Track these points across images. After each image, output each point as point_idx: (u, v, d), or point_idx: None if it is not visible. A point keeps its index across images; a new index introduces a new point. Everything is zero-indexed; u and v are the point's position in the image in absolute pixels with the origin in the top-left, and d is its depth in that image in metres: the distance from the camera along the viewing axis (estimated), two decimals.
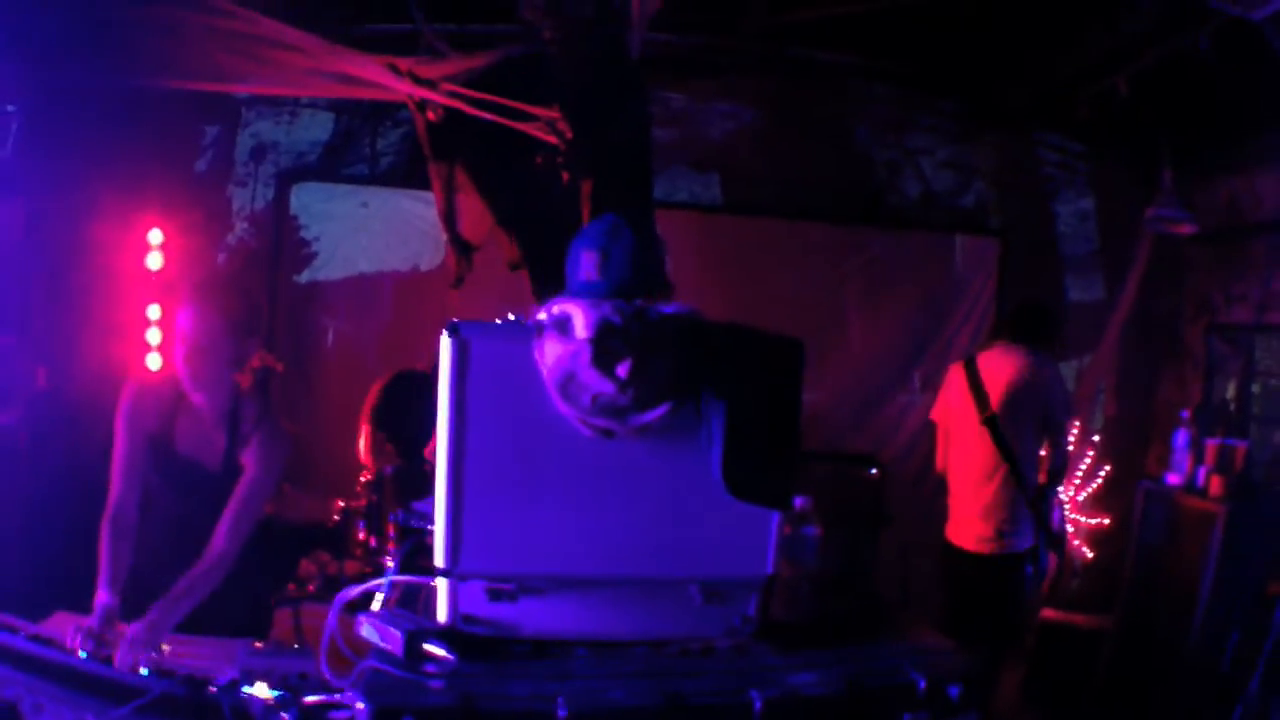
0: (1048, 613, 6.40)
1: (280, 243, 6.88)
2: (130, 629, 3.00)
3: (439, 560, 2.07)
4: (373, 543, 4.47)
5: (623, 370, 1.94)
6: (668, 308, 2.05)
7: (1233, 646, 4.96)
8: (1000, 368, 5.26)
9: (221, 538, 3.40)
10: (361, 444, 5.21)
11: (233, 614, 3.41)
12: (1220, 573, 5.10)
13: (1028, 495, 5.12)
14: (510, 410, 2.02)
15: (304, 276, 6.92)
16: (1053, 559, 5.19)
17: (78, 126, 5.35)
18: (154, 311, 5.85)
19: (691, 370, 2.03)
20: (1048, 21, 5.60)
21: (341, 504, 4.78)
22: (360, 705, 1.94)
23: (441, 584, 2.11)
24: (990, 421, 5.21)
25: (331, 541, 4.67)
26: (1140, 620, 5.70)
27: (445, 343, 1.97)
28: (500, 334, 2.08)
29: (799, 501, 2.53)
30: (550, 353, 1.97)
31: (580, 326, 1.95)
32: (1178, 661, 5.24)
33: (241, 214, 6.77)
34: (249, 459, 3.53)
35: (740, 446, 2.05)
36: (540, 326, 2.00)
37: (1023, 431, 5.18)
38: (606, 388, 1.95)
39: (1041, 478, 5.21)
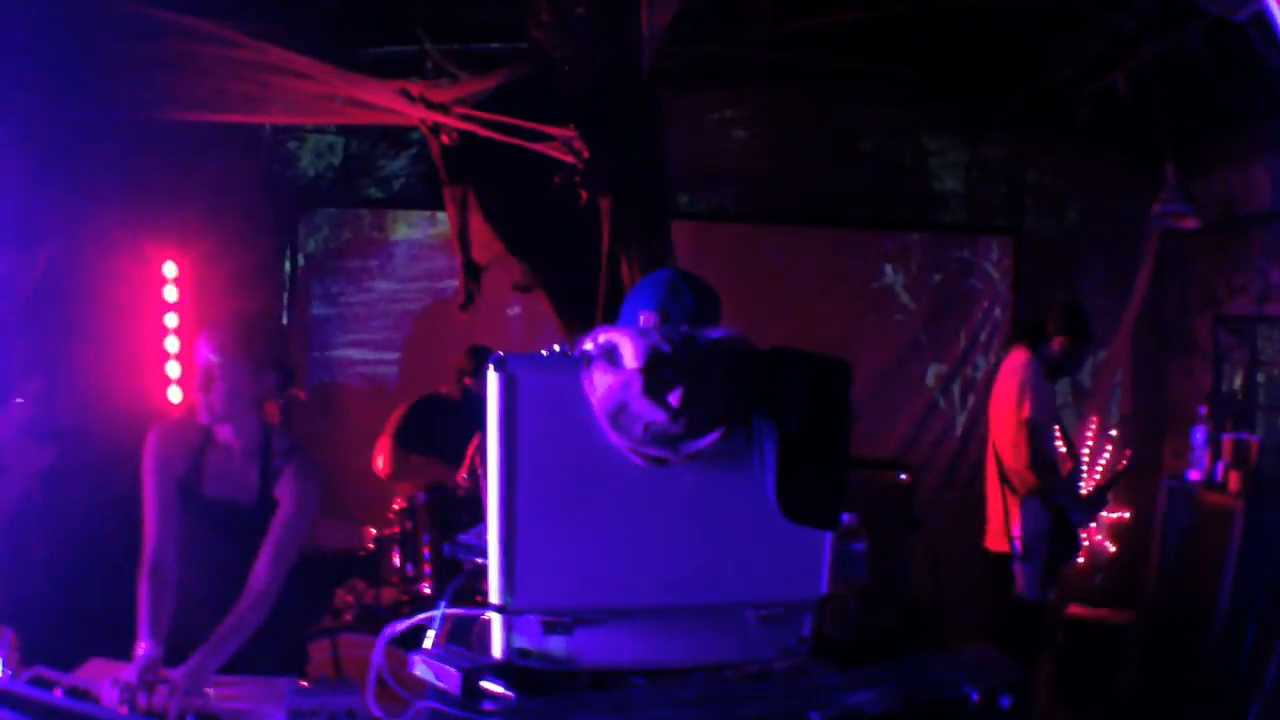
0: (1074, 609, 6.39)
1: (295, 269, 6.88)
2: (174, 675, 2.95)
3: (494, 596, 2.05)
4: (409, 571, 4.46)
5: (674, 398, 1.93)
6: (715, 333, 2.03)
7: (1251, 638, 4.96)
8: (1002, 373, 5.40)
9: (261, 576, 3.31)
10: (380, 459, 5.18)
11: (270, 649, 3.33)
12: (1241, 566, 5.10)
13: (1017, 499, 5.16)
14: (560, 442, 2.01)
15: (321, 303, 6.91)
16: (1017, 568, 5.13)
17: (88, 161, 5.34)
18: (172, 344, 5.84)
19: (742, 395, 2.02)
20: (1045, 22, 5.64)
21: (374, 532, 4.77)
22: None
23: (496, 619, 2.09)
24: (991, 424, 5.36)
25: (365, 570, 4.66)
26: (1165, 616, 5.70)
27: (492, 377, 1.95)
28: (547, 366, 2.06)
29: (845, 518, 2.51)
30: (600, 383, 1.95)
31: (630, 356, 1.94)
32: (1201, 655, 5.24)
33: (256, 242, 6.75)
34: (283, 493, 3.43)
35: (793, 469, 2.04)
36: (588, 357, 1.98)
37: (1000, 435, 5.26)
38: (659, 417, 1.93)
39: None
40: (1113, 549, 6.87)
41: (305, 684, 3.06)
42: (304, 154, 7.01)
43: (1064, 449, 5.81)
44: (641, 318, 2.26)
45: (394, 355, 6.90)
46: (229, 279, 6.41)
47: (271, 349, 3.45)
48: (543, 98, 4.63)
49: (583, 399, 1.97)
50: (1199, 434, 5.74)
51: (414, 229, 6.88)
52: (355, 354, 6.89)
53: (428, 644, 2.24)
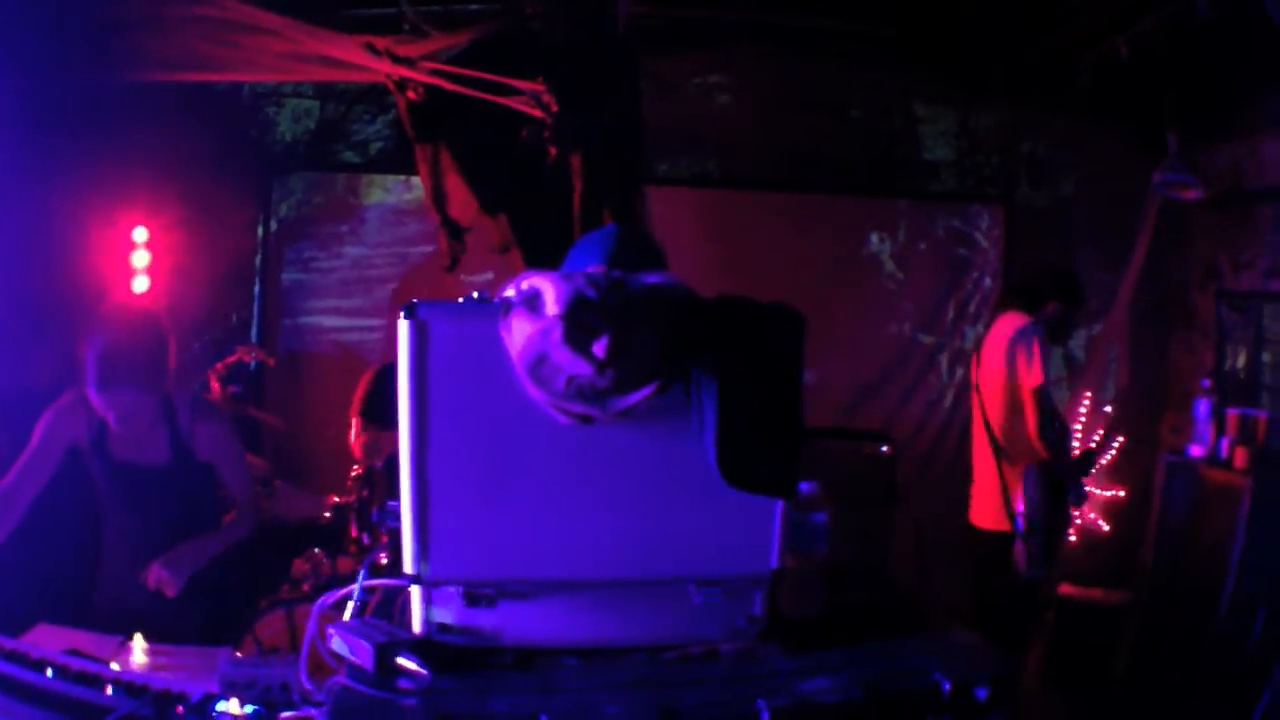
0: (1066, 588, 6.25)
1: (269, 234, 6.76)
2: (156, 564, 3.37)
3: (408, 566, 1.89)
4: (365, 540, 4.34)
5: (600, 348, 1.74)
6: (650, 278, 1.85)
7: (1260, 624, 4.83)
8: (990, 336, 5.18)
9: (239, 495, 3.76)
10: (352, 436, 5.09)
11: (207, 617, 3.54)
12: (1248, 547, 4.94)
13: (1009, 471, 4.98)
14: (477, 398, 1.83)
15: (293, 268, 6.80)
16: (1017, 547, 4.94)
17: (57, 124, 5.22)
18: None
19: (679, 347, 1.82)
20: None
21: (335, 500, 4.66)
22: None
23: (414, 591, 1.93)
24: (978, 391, 5.15)
25: (324, 539, 4.54)
26: (1165, 596, 5.56)
27: (402, 325, 1.78)
28: (463, 314, 1.87)
29: (805, 487, 2.32)
30: (519, 332, 1.77)
31: (551, 302, 1.75)
32: (1204, 638, 5.10)
33: (229, 207, 6.62)
34: (205, 445, 3.65)
35: (736, 430, 1.85)
36: (507, 304, 1.80)
37: (996, 403, 5.05)
38: (582, 369, 1.75)
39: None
40: (1107, 527, 6.73)
41: (240, 654, 2.96)
42: (281, 118, 6.88)
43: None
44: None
45: (366, 322, 6.76)
46: (200, 244, 6.29)
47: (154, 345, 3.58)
48: (515, 55, 4.53)
49: (501, 349, 1.79)
50: (1202, 407, 5.59)
51: (388, 194, 6.76)
52: (327, 320, 6.77)
53: (346, 616, 2.09)
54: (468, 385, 1.83)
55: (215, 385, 5.58)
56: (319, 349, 6.74)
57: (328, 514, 4.60)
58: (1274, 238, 6.01)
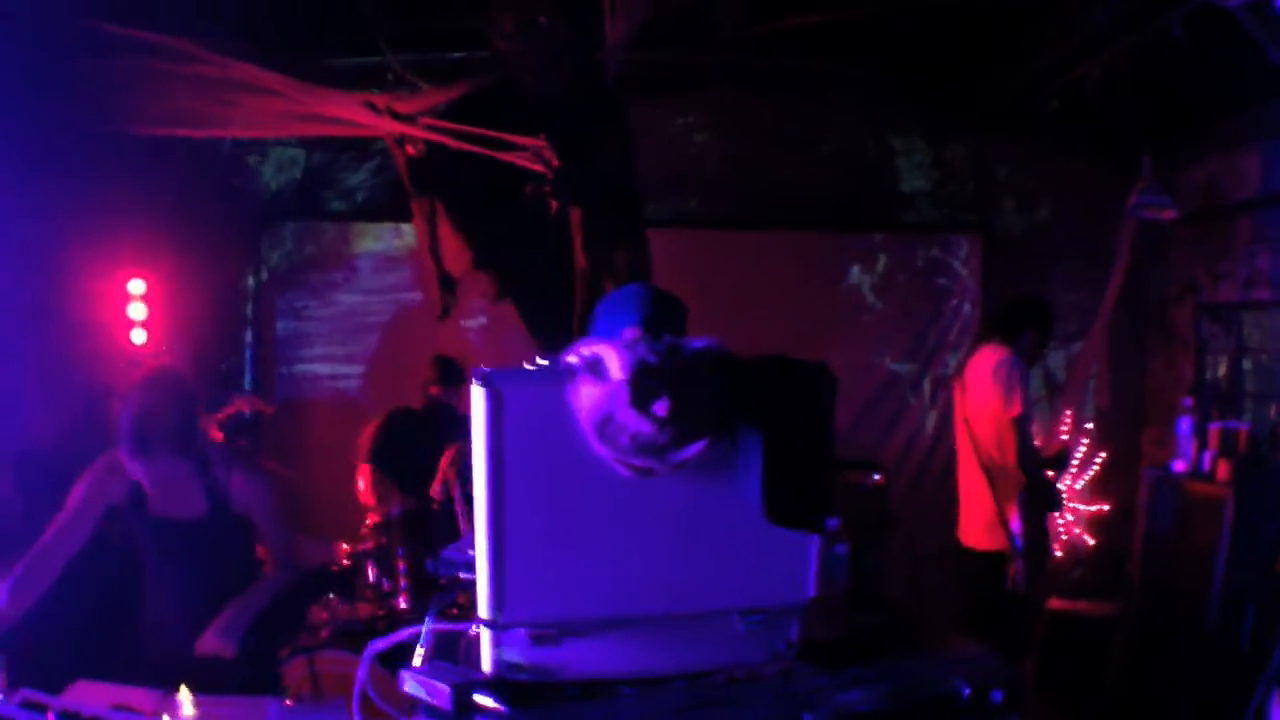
0: (1055, 602, 6.42)
1: (260, 284, 6.84)
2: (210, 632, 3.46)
3: (483, 611, 2.04)
4: (385, 586, 4.44)
5: (660, 409, 1.92)
6: (699, 343, 2.03)
7: (1250, 623, 4.99)
8: (973, 366, 5.39)
9: (274, 545, 3.88)
10: (362, 485, 5.19)
11: (245, 667, 3.54)
12: (1234, 554, 5.11)
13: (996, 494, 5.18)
14: (546, 455, 1.99)
15: (286, 317, 6.88)
16: (1014, 565, 5.15)
17: (50, 177, 5.30)
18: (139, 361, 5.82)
19: (727, 403, 2.01)
20: (1017, 15, 5.62)
21: (347, 547, 4.75)
22: None
23: (485, 633, 2.08)
24: (966, 422, 5.36)
25: (340, 586, 4.63)
26: (1153, 607, 5.71)
27: (477, 392, 1.93)
28: (531, 379, 2.04)
29: (831, 522, 2.51)
30: (585, 395, 1.94)
31: (615, 368, 1.93)
32: (1196, 643, 5.25)
33: (219, 258, 6.71)
34: (240, 496, 3.75)
35: (780, 475, 2.04)
36: (572, 370, 1.97)
37: (984, 432, 5.25)
38: (645, 427, 1.92)
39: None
40: (1092, 541, 6.90)
41: (289, 703, 3.06)
42: (265, 168, 6.98)
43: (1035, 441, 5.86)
44: (625, 333, 2.28)
45: (360, 369, 6.86)
46: (191, 294, 6.38)
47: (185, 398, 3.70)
48: (507, 107, 4.64)
49: (567, 411, 1.96)
50: (1184, 424, 5.75)
51: (378, 241, 6.87)
52: (321, 368, 6.87)
53: (416, 660, 2.23)
54: (536, 444, 1.98)
55: (217, 436, 5.67)
56: (315, 396, 6.82)
57: (346, 561, 4.68)
58: (1252, 248, 6.17)
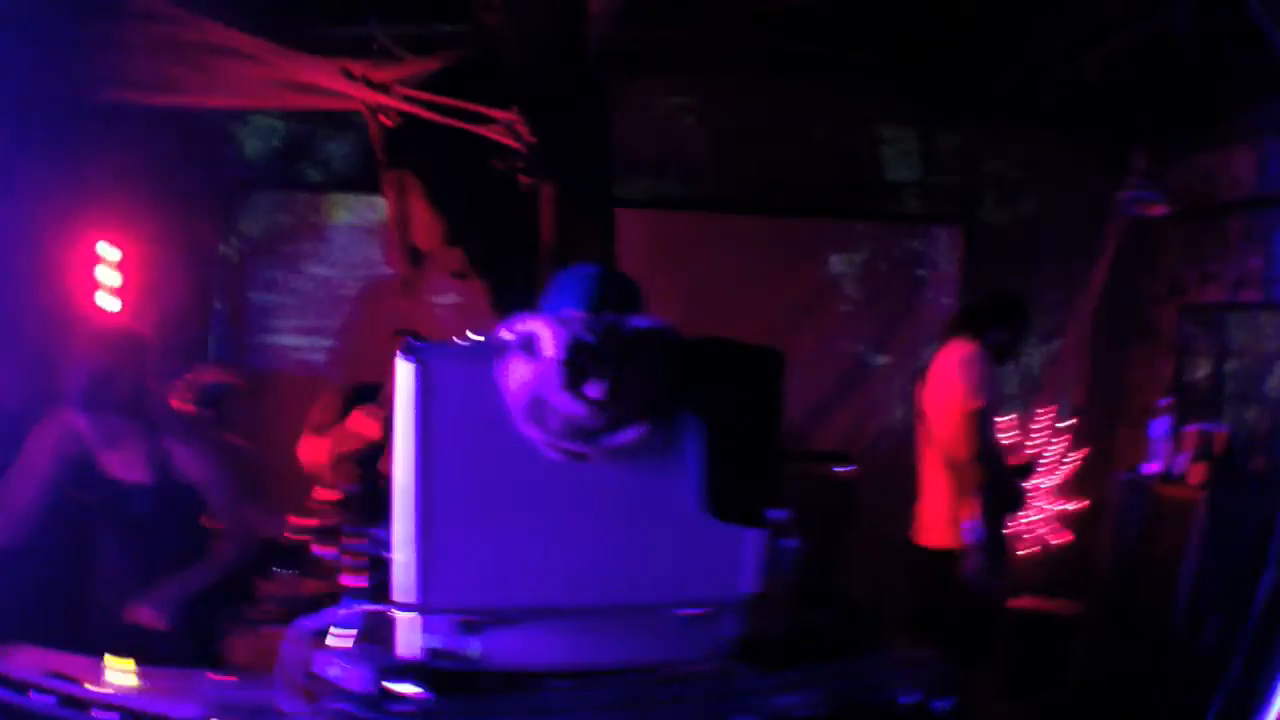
0: (1020, 600, 6.36)
1: (235, 253, 6.77)
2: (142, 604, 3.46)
3: (405, 594, 1.96)
4: (332, 562, 4.36)
5: (594, 392, 1.84)
6: (641, 322, 1.94)
7: (1215, 629, 4.94)
8: (938, 361, 5.27)
9: (225, 518, 3.84)
10: (308, 454, 5.09)
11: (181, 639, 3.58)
12: (1203, 559, 5.07)
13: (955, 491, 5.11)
14: (474, 435, 1.91)
15: (259, 288, 6.80)
16: (968, 563, 5.07)
17: (23, 140, 5.22)
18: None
19: (667, 388, 1.93)
20: (1015, 7, 5.55)
21: (298, 521, 4.67)
22: None
23: (407, 617, 2.01)
24: (925, 417, 5.26)
25: (289, 560, 4.55)
26: (1119, 610, 5.67)
27: (404, 366, 1.85)
28: (462, 355, 1.97)
29: (777, 514, 2.43)
30: (516, 374, 1.86)
31: (548, 345, 1.84)
32: (1160, 648, 5.21)
33: (192, 225, 6.62)
34: (189, 466, 3.73)
35: (720, 466, 1.96)
36: (505, 346, 1.89)
37: (945, 427, 5.16)
38: (577, 410, 1.84)
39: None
40: (1061, 541, 6.84)
41: (224, 677, 3.00)
42: (245, 136, 6.89)
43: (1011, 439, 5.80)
44: (566, 312, 2.19)
45: (329, 342, 6.78)
46: (164, 262, 6.29)
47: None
48: (487, 81, 4.56)
49: (498, 390, 1.88)
50: (1159, 426, 5.70)
51: (353, 214, 6.78)
52: (292, 340, 6.79)
53: (338, 641, 2.16)
54: (464, 423, 1.91)
55: (178, 404, 5.59)
56: (284, 369, 6.74)
57: (295, 535, 4.61)
58: (1243, 248, 6.08)
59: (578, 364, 1.84)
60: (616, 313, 2.00)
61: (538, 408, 1.85)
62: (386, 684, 1.98)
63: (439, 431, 1.89)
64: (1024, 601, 6.37)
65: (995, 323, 5.21)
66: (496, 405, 1.88)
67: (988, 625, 5.24)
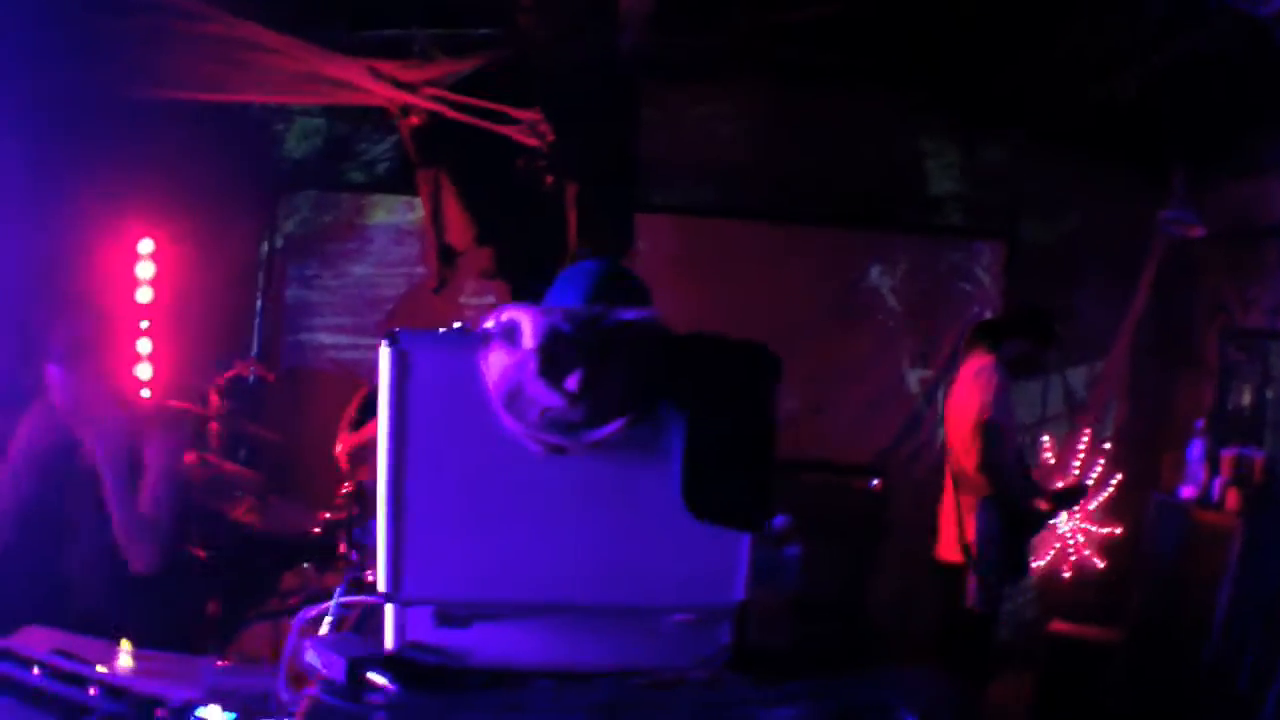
0: (1058, 625, 6.25)
1: (274, 250, 6.82)
2: None
3: (381, 584, 1.93)
4: (355, 556, 4.37)
5: (572, 382, 1.79)
6: (626, 314, 1.89)
7: (1251, 662, 4.82)
8: (962, 376, 5.24)
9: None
10: (339, 448, 5.13)
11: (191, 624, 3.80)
12: (1238, 589, 4.93)
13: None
14: (457, 425, 1.87)
15: (296, 285, 6.86)
16: (970, 579, 4.97)
17: (61, 135, 5.27)
18: (145, 346, 5.76)
19: (650, 381, 1.88)
20: (1053, 21, 5.46)
21: (325, 516, 4.69)
22: None
23: (388, 609, 1.97)
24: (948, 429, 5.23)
25: (314, 554, 4.58)
26: (1152, 637, 5.55)
27: (383, 352, 1.82)
28: (444, 343, 1.93)
29: (777, 521, 2.37)
30: (496, 364, 1.82)
31: (527, 335, 1.80)
32: (1192, 679, 5.08)
33: (234, 222, 6.68)
34: (153, 450, 3.73)
35: (703, 464, 1.90)
36: (486, 336, 1.85)
37: (956, 439, 5.10)
38: (555, 401, 1.79)
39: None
40: (1101, 565, 6.73)
41: (224, 664, 3.01)
42: (289, 136, 6.95)
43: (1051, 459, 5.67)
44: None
45: (368, 341, 6.80)
46: (204, 258, 6.33)
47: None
48: (519, 83, 4.56)
49: (479, 379, 1.84)
50: (1196, 448, 5.59)
51: (392, 214, 6.83)
52: (328, 339, 6.83)
53: (323, 630, 2.14)
54: (446, 412, 1.87)
55: (214, 399, 5.63)
56: (319, 366, 6.79)
57: (317, 529, 4.63)
58: None
59: (555, 354, 1.79)
60: (608, 306, 1.96)
61: (517, 398, 1.81)
62: (359, 673, 1.94)
63: (417, 419, 1.85)
64: (1062, 625, 6.26)
65: (1015, 335, 5.12)
66: (478, 395, 1.84)
67: (986, 644, 5.13)
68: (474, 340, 1.86)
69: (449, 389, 1.86)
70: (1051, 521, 5.59)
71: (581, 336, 1.81)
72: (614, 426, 1.84)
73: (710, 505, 1.93)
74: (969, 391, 5.02)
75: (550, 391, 1.79)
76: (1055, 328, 5.29)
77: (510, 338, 1.82)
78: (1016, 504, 5.06)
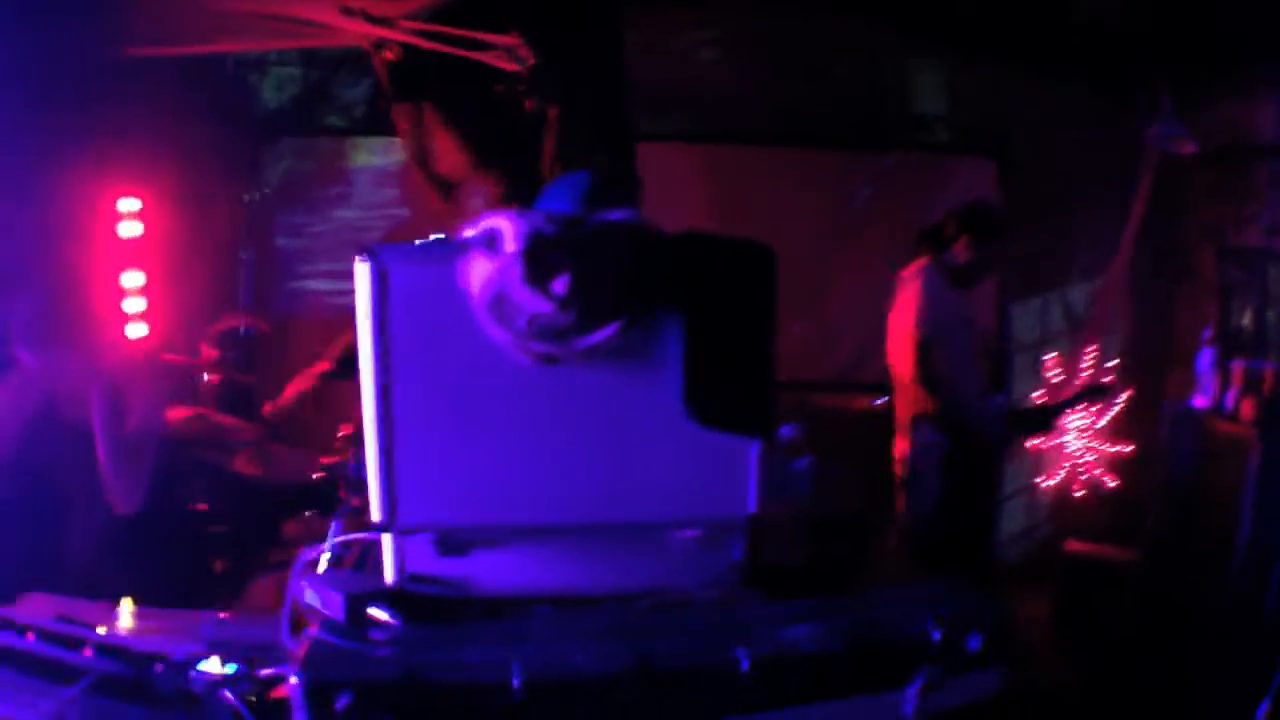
0: (1073, 545, 6.18)
1: (259, 200, 6.74)
2: None
3: (375, 514, 1.84)
4: (355, 501, 4.29)
5: (559, 286, 1.69)
6: (612, 215, 1.79)
7: (1277, 581, 4.73)
8: (899, 283, 4.93)
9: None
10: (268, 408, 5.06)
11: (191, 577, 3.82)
12: (1260, 501, 4.82)
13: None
14: (440, 341, 1.78)
15: (285, 234, 6.79)
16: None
17: (37, 97, 5.18)
18: (132, 279, 5.66)
19: (643, 284, 1.77)
20: None
21: (325, 461, 4.60)
22: (294, 680, 1.73)
23: (385, 540, 1.89)
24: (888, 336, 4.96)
25: (316, 501, 4.49)
26: (1172, 552, 5.46)
27: (360, 270, 1.72)
28: (423, 256, 1.83)
29: (786, 430, 2.28)
30: (478, 271, 1.72)
31: (509, 239, 1.70)
32: (1217, 595, 4.99)
33: (218, 175, 6.58)
34: (138, 405, 3.87)
35: (705, 368, 1.80)
36: (466, 244, 1.75)
37: (893, 345, 4.87)
38: (543, 307, 1.70)
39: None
40: (1114, 483, 6.66)
41: (225, 616, 2.97)
42: (265, 86, 6.85)
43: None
44: None
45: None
46: (189, 212, 6.24)
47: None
48: (499, 11, 4.42)
49: (462, 291, 1.74)
50: (1205, 358, 5.48)
51: (374, 156, 6.75)
52: (320, 284, 6.75)
53: (320, 569, 2.06)
54: (432, 328, 1.78)
55: (206, 351, 5.55)
56: (312, 313, 6.71)
57: (317, 475, 4.54)
58: (1274, 194, 5.92)
59: (539, 257, 1.69)
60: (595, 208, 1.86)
61: (502, 305, 1.71)
62: (359, 609, 1.86)
63: (399, 338, 1.76)
64: (1077, 545, 6.19)
65: (952, 236, 4.85)
66: (462, 308, 1.74)
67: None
68: (455, 249, 1.76)
69: (433, 304, 1.77)
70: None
71: (566, 238, 1.71)
72: (607, 332, 1.74)
73: (714, 411, 1.83)
74: (904, 298, 4.79)
75: (537, 296, 1.69)
76: (995, 218, 4.98)
77: (491, 244, 1.72)
78: (960, 422, 4.76)
